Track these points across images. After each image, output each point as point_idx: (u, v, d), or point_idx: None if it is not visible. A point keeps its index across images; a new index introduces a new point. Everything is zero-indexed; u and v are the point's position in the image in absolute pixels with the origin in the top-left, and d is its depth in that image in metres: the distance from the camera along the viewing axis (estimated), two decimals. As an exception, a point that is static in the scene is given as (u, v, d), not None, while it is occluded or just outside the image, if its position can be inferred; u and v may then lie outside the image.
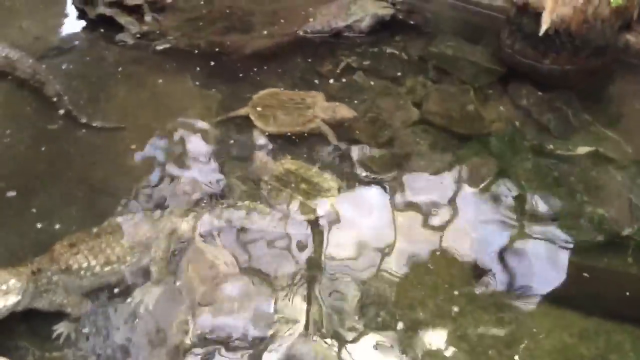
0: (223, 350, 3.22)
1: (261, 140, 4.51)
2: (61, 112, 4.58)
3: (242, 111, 4.65)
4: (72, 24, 5.63)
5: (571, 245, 3.88)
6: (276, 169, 4.16)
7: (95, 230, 3.51)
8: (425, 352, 3.31)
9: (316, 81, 5.11)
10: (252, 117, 4.56)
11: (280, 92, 4.78)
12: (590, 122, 4.77)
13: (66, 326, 3.25)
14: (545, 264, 3.77)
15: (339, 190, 4.08)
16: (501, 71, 5.19)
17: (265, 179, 4.12)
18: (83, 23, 5.63)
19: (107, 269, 3.37)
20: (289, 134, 4.52)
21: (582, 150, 4.49)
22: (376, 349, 3.30)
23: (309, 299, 3.51)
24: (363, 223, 3.97)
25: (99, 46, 5.37)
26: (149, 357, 3.20)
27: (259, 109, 4.59)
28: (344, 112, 4.54)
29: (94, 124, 4.50)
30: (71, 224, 3.75)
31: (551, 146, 4.53)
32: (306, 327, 3.37)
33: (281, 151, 4.43)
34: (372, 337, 3.34)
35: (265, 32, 5.53)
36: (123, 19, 5.45)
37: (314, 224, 3.90)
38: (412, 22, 5.89)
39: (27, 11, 5.71)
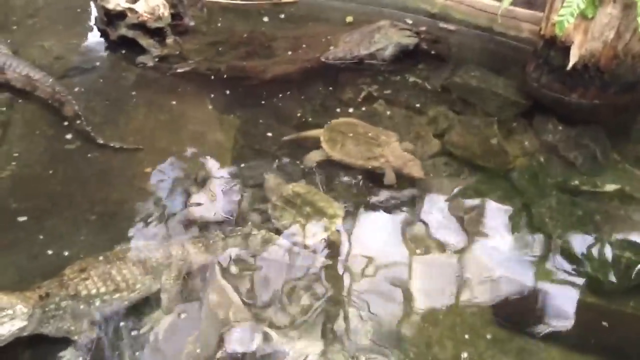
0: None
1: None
2: (69, 137, 4.56)
3: (315, 132, 4.62)
4: (94, 45, 5.66)
5: (596, 288, 3.74)
6: (285, 190, 4.12)
7: (106, 255, 3.43)
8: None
9: (337, 109, 5.05)
10: (322, 139, 4.51)
11: (358, 123, 4.69)
12: (618, 161, 4.65)
13: (72, 354, 3.16)
14: (569, 306, 3.64)
15: (344, 217, 4.01)
16: (526, 104, 5.09)
17: (273, 199, 4.09)
18: (104, 44, 5.66)
19: (116, 296, 3.29)
20: (350, 164, 4.43)
21: (609, 187, 4.37)
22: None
23: (322, 334, 3.40)
24: (379, 256, 3.87)
25: (120, 67, 5.38)
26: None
27: (332, 133, 4.55)
28: (415, 170, 4.33)
29: (111, 144, 4.48)
30: (82, 248, 3.69)
31: (576, 182, 4.41)
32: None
33: (299, 175, 4.39)
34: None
35: (286, 58, 5.50)
36: (145, 41, 5.47)
37: (328, 255, 3.81)
38: (435, 52, 5.84)
39: (49, 31, 5.74)
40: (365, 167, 4.40)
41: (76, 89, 5.00)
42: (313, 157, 4.50)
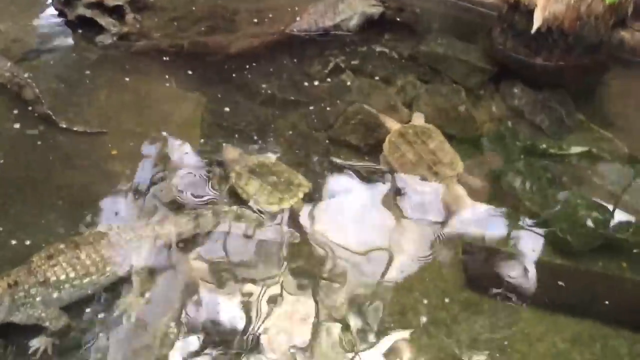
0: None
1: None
2: (30, 121, 4.42)
3: (391, 124, 4.47)
4: (51, 26, 5.49)
5: (566, 249, 3.81)
6: (250, 160, 4.12)
7: (74, 240, 3.37)
8: (417, 359, 3.24)
9: (305, 83, 5.01)
10: (388, 138, 4.32)
11: (434, 135, 4.33)
12: (584, 121, 4.73)
13: (43, 341, 3.13)
14: (539, 267, 3.71)
15: (313, 188, 4.01)
16: (493, 70, 5.11)
17: (237, 169, 4.06)
18: (62, 24, 5.49)
19: (86, 280, 3.25)
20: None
21: (576, 149, 4.44)
22: (368, 355, 3.22)
23: (298, 304, 3.43)
24: (351, 226, 3.89)
25: (79, 48, 5.24)
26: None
27: (400, 137, 4.29)
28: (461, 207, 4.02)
29: (74, 129, 4.38)
30: (50, 234, 3.62)
31: (544, 146, 4.47)
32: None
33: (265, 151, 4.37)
34: (362, 344, 3.27)
35: (250, 32, 5.41)
36: (103, 20, 5.32)
37: (299, 226, 3.82)
38: (401, 20, 5.80)
39: (5, 13, 5.55)
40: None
41: (35, 72, 4.85)
42: None
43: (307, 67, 5.16)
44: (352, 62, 5.25)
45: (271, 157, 4.17)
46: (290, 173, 4.05)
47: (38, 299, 3.12)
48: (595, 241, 3.83)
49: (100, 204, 3.86)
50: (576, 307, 3.54)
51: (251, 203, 3.88)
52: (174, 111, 4.67)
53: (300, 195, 3.91)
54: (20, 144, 4.28)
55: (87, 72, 4.96)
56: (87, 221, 3.72)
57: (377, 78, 5.10)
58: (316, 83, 5.01)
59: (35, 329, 3.14)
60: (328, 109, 4.74)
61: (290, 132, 4.54)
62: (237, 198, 3.96)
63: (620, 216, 3.98)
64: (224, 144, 4.30)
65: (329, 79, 5.03)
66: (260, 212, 3.83)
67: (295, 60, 5.24)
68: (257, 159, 4.14)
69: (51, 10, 5.59)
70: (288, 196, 3.88)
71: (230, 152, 4.22)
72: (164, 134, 4.42)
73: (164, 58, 5.12)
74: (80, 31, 5.38)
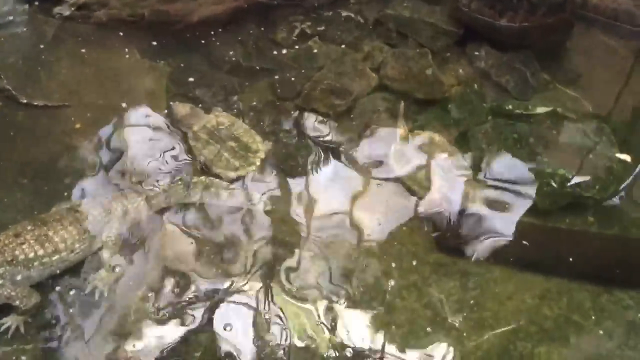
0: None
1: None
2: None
3: (401, 127, 4.33)
4: (7, -1, 5.31)
5: (533, 208, 3.88)
6: (208, 120, 4.10)
7: (42, 217, 3.34)
8: (390, 322, 3.31)
9: (273, 51, 4.93)
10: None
11: (440, 145, 4.22)
12: (549, 81, 4.78)
13: (14, 319, 3.12)
14: (508, 227, 3.77)
15: (266, 153, 4.02)
16: (458, 32, 5.08)
17: (195, 129, 4.04)
18: (18, -4, 5.32)
19: (55, 257, 3.22)
20: None
21: (541, 110, 4.47)
22: (341, 321, 3.28)
23: (272, 275, 3.46)
24: (323, 195, 3.91)
25: (36, 20, 5.05)
26: (106, 346, 3.10)
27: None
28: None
29: (35, 103, 4.28)
30: (16, 212, 3.58)
31: (510, 107, 4.50)
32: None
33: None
34: (337, 310, 3.32)
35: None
36: (60, -10, 5.15)
37: (267, 195, 3.84)
38: (367, -18, 5.72)
39: (-43, -14, 5.35)
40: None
41: (-8, 47, 4.73)
42: None
43: (273, 34, 5.07)
44: (318, 28, 5.16)
45: (230, 117, 4.15)
46: (249, 136, 4.04)
47: (7, 277, 3.09)
48: (561, 200, 3.91)
49: (66, 180, 3.81)
50: (544, 264, 3.63)
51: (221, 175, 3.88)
52: (137, 83, 4.59)
53: (258, 162, 3.92)
54: (-20, 121, 4.19)
55: (46, 45, 4.81)
56: (54, 198, 3.65)
57: (344, 44, 5.04)
58: (284, 51, 4.94)
59: (7, 308, 3.11)
60: (294, 77, 4.68)
61: (258, 102, 4.50)
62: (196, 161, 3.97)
63: (585, 175, 4.03)
64: (171, 103, 4.26)
65: (296, 46, 4.96)
66: (232, 182, 3.84)
67: (261, 28, 5.13)
68: (217, 118, 4.10)
69: (6, -18, 5.40)
70: (246, 164, 3.88)
71: (181, 109, 4.18)
72: (128, 106, 4.34)
73: (125, 28, 4.97)
74: (36, 3, 5.20)
